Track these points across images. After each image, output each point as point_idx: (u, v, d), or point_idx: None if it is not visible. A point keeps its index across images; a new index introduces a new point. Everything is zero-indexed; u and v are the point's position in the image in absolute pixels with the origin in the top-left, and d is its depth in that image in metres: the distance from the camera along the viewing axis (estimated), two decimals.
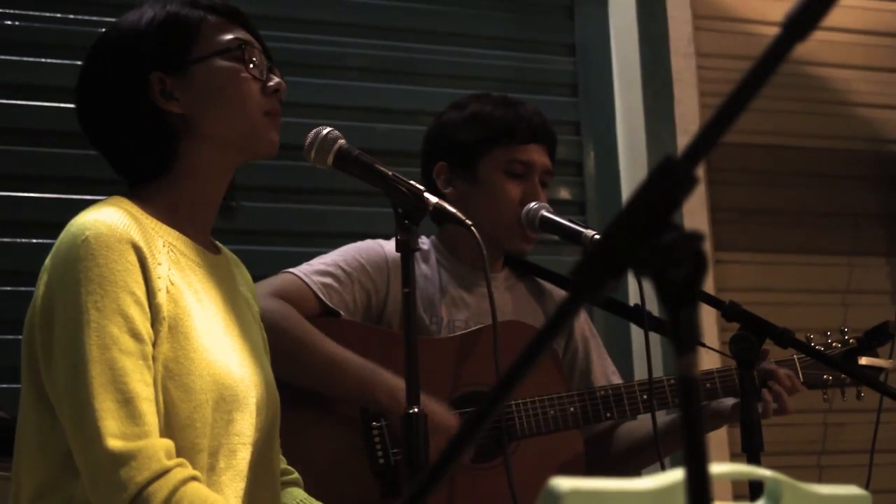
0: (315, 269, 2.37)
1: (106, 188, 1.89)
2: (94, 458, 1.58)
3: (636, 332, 3.25)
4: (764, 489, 1.03)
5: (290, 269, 2.38)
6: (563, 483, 0.88)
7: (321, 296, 2.33)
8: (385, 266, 2.40)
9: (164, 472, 1.59)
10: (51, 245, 1.72)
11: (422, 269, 2.46)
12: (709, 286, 3.24)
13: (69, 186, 2.85)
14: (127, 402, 1.60)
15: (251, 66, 1.83)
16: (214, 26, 1.83)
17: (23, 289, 2.52)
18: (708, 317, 3.11)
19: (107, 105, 1.80)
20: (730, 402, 2.38)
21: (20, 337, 1.73)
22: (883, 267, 3.61)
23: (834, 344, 2.53)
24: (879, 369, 2.53)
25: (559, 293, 2.60)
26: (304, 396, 2.28)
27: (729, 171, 3.47)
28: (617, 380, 2.54)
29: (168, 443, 1.62)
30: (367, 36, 3.32)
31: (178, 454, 1.64)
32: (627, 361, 3.25)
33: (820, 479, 3.32)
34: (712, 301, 2.34)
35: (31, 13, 2.99)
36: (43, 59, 2.93)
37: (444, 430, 2.17)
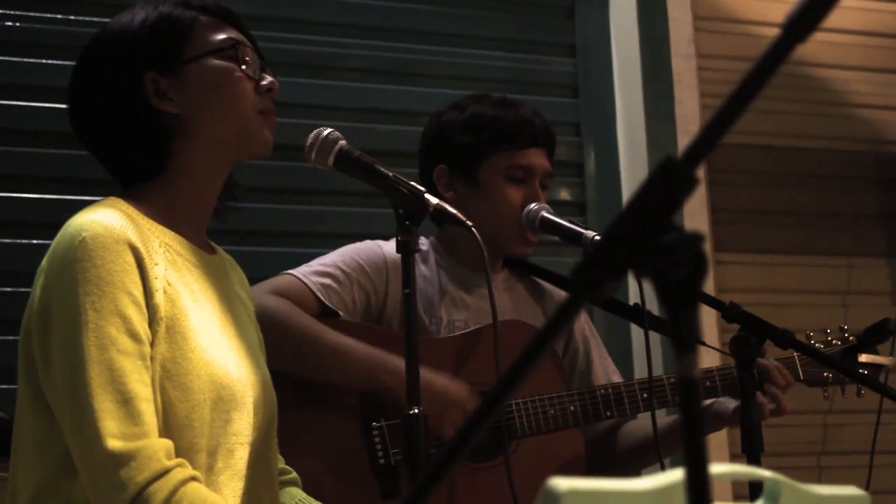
0: (314, 270, 2.38)
1: (105, 189, 1.89)
2: (93, 459, 1.58)
3: (636, 332, 3.25)
4: (763, 489, 1.03)
5: (290, 271, 2.38)
6: (562, 483, 0.88)
7: (320, 296, 2.34)
8: (384, 267, 2.41)
9: (164, 473, 1.59)
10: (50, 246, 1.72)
11: (421, 269, 2.46)
12: (709, 287, 3.24)
13: (69, 187, 2.85)
14: (126, 403, 1.60)
15: (244, 65, 1.83)
16: (207, 26, 1.83)
17: (22, 290, 2.51)
18: (708, 318, 3.11)
19: (101, 106, 1.80)
20: (731, 404, 2.38)
21: (18, 338, 1.73)
22: (883, 268, 3.61)
23: (834, 341, 2.53)
24: (879, 366, 2.53)
25: (558, 293, 2.60)
26: (304, 396, 2.29)
27: (729, 171, 3.48)
28: (617, 379, 2.54)
29: (167, 443, 1.62)
30: (368, 37, 3.32)
31: (177, 454, 1.64)
32: (627, 361, 3.25)
33: (819, 480, 3.31)
34: (712, 302, 2.35)
35: (30, 14, 2.99)
36: (43, 60, 2.94)
37: (459, 404, 2.20)
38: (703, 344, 2.45)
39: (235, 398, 1.74)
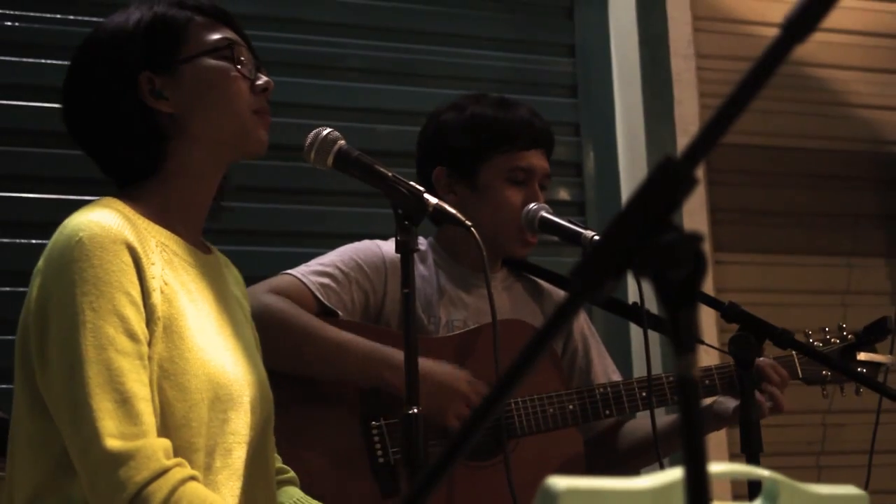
0: (313, 270, 2.38)
1: (106, 188, 1.89)
2: (92, 459, 1.58)
3: (635, 331, 3.25)
4: (762, 489, 1.03)
5: (289, 271, 2.38)
6: (560, 482, 0.88)
7: (319, 296, 2.34)
8: (382, 266, 2.41)
9: (164, 472, 1.59)
10: None
11: (419, 269, 2.46)
12: (708, 287, 3.24)
13: (69, 187, 2.85)
14: (124, 402, 1.60)
15: (240, 65, 1.83)
16: (202, 26, 1.83)
17: (22, 289, 2.51)
18: (707, 318, 3.11)
19: (96, 106, 1.80)
20: (731, 403, 2.38)
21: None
22: (882, 268, 3.62)
23: (833, 340, 2.53)
24: (878, 365, 2.53)
25: (557, 293, 2.60)
26: (303, 395, 2.29)
27: (728, 171, 3.48)
28: (617, 378, 2.55)
29: (166, 442, 1.63)
30: (368, 37, 3.32)
31: (175, 454, 1.64)
32: (626, 360, 3.25)
33: (819, 480, 3.32)
34: (712, 302, 2.35)
35: (30, 14, 2.99)
36: (42, 60, 2.94)
37: (461, 396, 2.20)
38: (703, 343, 2.46)
39: (233, 397, 1.75)
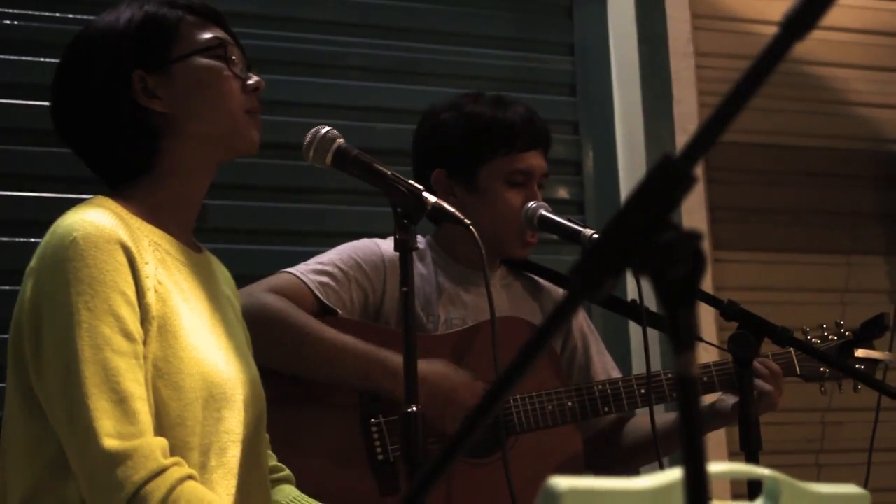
0: (312, 269, 2.38)
1: (104, 187, 1.89)
2: (90, 459, 1.58)
3: (634, 329, 3.25)
4: (762, 488, 1.03)
5: (288, 269, 2.38)
6: (562, 482, 0.88)
7: (319, 294, 2.34)
8: (382, 265, 2.41)
9: (162, 471, 1.59)
10: None
11: (418, 268, 2.46)
12: (707, 285, 3.24)
13: (68, 185, 2.84)
14: (121, 402, 1.59)
15: (232, 64, 1.83)
16: (193, 25, 1.84)
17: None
18: (707, 316, 3.11)
19: (88, 104, 1.80)
20: (731, 401, 2.38)
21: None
22: (881, 266, 3.62)
23: (830, 337, 2.53)
24: (875, 361, 2.53)
25: (556, 291, 2.61)
26: (302, 393, 2.29)
27: (728, 170, 3.48)
28: (617, 374, 2.55)
29: (163, 441, 1.63)
30: (367, 35, 3.32)
31: (170, 453, 1.64)
32: (626, 358, 3.25)
33: (818, 478, 3.32)
34: (711, 300, 2.35)
35: (29, 13, 2.98)
36: (42, 59, 2.93)
37: (458, 400, 2.20)
38: (702, 341, 2.46)
39: (226, 396, 1.74)
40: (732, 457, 3.11)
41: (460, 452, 0.90)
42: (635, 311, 2.40)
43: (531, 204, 2.43)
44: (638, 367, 3.23)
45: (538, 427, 2.37)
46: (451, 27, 3.42)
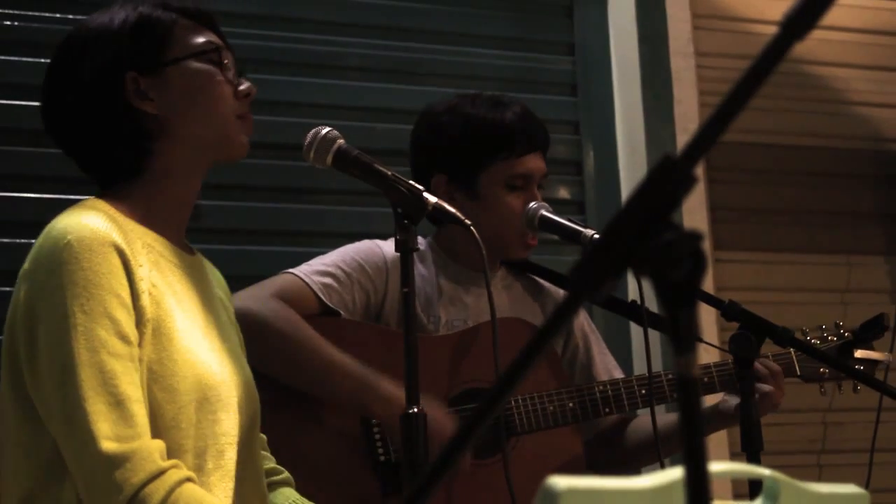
0: (315, 270, 2.38)
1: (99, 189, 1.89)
2: (88, 462, 1.58)
3: (635, 329, 3.25)
4: (762, 488, 1.03)
5: (291, 270, 2.38)
6: (561, 482, 0.88)
7: (321, 296, 2.34)
8: (384, 267, 2.41)
9: (160, 474, 1.59)
10: None
11: (419, 269, 2.46)
12: (708, 285, 3.24)
13: (68, 186, 2.84)
14: (118, 405, 1.59)
15: (224, 69, 1.83)
16: (187, 28, 1.84)
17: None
18: (707, 316, 3.11)
19: (80, 104, 1.79)
20: (733, 402, 2.38)
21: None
22: (882, 265, 3.61)
23: (830, 337, 2.53)
24: (875, 362, 2.53)
25: (556, 291, 2.60)
26: (303, 395, 2.29)
27: (728, 170, 3.47)
28: (619, 374, 2.55)
29: (161, 444, 1.62)
30: (367, 36, 3.32)
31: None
32: (627, 358, 3.25)
33: (819, 478, 3.32)
34: (712, 300, 2.35)
35: (30, 13, 2.98)
36: (42, 60, 2.93)
37: (439, 436, 2.17)
38: (703, 342, 2.45)
39: (221, 398, 1.74)
40: (734, 457, 3.11)
41: (462, 454, 0.89)
42: (636, 311, 2.40)
43: (532, 205, 2.43)
44: (639, 367, 3.22)
45: (539, 428, 2.37)
46: (451, 27, 3.42)
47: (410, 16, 3.38)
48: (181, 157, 1.81)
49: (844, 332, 2.54)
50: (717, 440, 3.10)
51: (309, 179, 3.10)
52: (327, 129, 1.90)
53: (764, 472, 1.03)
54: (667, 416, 2.53)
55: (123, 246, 1.67)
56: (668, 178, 0.82)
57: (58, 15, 3.00)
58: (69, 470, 1.62)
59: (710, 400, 2.53)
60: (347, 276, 2.38)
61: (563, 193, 3.44)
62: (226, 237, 3.01)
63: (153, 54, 1.80)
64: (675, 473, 0.91)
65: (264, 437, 2.02)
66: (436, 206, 1.86)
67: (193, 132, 1.81)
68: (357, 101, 3.25)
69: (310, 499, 2.03)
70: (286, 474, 2.05)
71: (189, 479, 1.63)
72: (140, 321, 1.66)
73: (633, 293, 2.91)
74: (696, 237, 0.81)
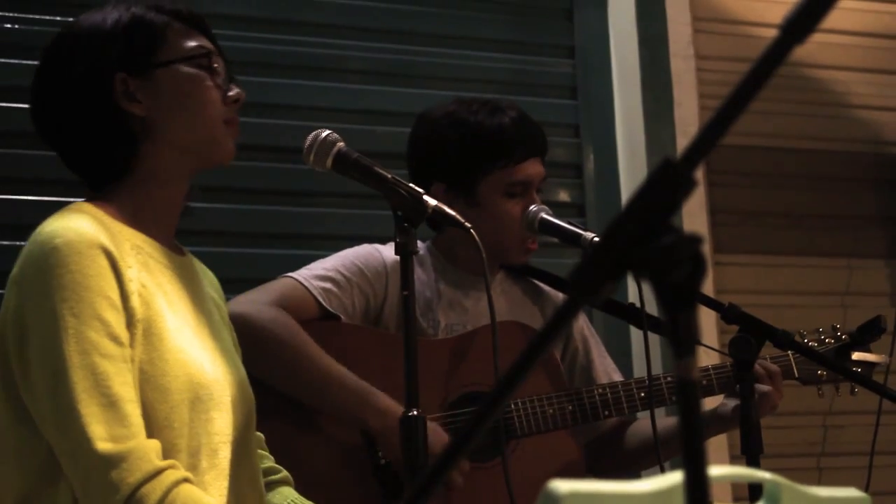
0: (315, 274, 2.38)
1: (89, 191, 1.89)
2: (83, 463, 1.58)
3: (635, 332, 3.25)
4: (763, 491, 1.03)
5: (291, 274, 2.38)
6: (562, 485, 0.88)
7: (321, 300, 2.34)
8: (384, 271, 2.40)
9: (157, 473, 1.59)
10: None
11: (418, 273, 2.46)
12: (708, 288, 3.24)
13: (67, 188, 2.84)
14: (112, 405, 1.59)
15: (214, 74, 1.83)
16: (179, 32, 1.83)
17: None
18: (707, 319, 3.11)
19: (69, 104, 1.79)
20: (733, 405, 2.38)
21: None
22: (882, 269, 3.61)
23: (827, 340, 2.53)
24: (872, 364, 2.53)
25: (556, 294, 2.60)
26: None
27: (728, 173, 3.47)
28: (618, 377, 2.55)
29: (156, 443, 1.62)
30: (367, 39, 3.32)
31: None
32: (627, 362, 3.25)
33: (819, 481, 3.31)
34: (712, 303, 2.35)
35: (28, 16, 2.98)
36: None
37: (435, 445, 2.17)
38: (702, 345, 2.45)
39: (214, 397, 1.74)
40: (734, 460, 3.11)
41: (461, 457, 0.89)
42: (636, 315, 2.40)
43: (532, 207, 2.42)
44: (639, 370, 3.23)
45: (539, 431, 2.36)
46: (452, 30, 3.42)
47: (411, 19, 3.38)
48: (167, 160, 1.81)
49: (841, 335, 2.54)
50: (717, 443, 3.09)
51: (309, 182, 3.10)
52: (327, 131, 1.90)
53: (765, 475, 1.03)
54: (666, 420, 2.53)
55: (111, 248, 1.67)
56: (668, 182, 0.82)
57: (58, 18, 3.00)
58: (64, 472, 1.62)
59: (708, 403, 2.53)
60: (347, 281, 2.38)
61: (564, 196, 3.44)
62: (226, 240, 3.02)
63: (144, 56, 1.80)
64: (676, 477, 0.91)
65: (261, 435, 2.03)
66: (436, 208, 1.86)
67: (180, 136, 1.81)
68: (357, 104, 3.25)
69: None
70: (284, 473, 2.05)
71: (186, 480, 1.62)
72: (130, 322, 1.66)
73: (632, 296, 2.91)
74: (695, 240, 0.81)
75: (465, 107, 2.48)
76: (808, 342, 2.51)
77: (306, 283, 2.35)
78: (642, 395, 2.40)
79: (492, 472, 2.31)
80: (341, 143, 1.91)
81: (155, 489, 1.58)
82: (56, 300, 1.62)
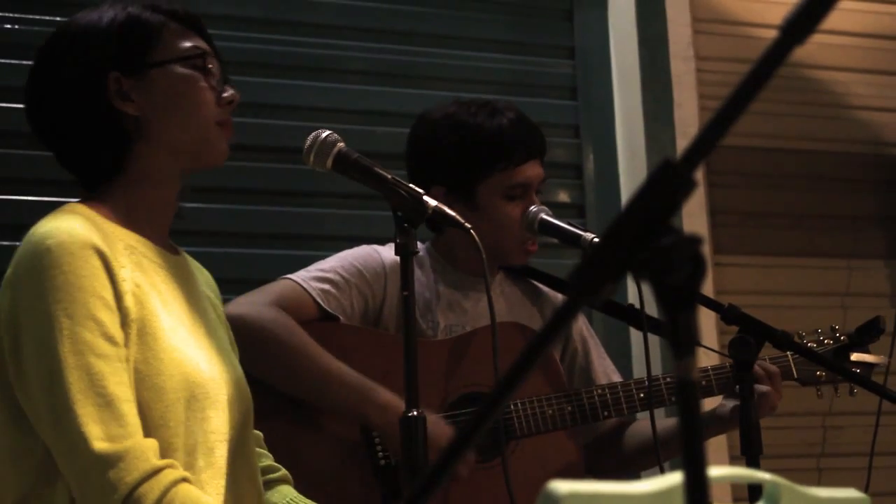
0: (314, 276, 2.38)
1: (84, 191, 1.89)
2: (81, 464, 1.58)
3: (635, 333, 3.25)
4: (762, 492, 1.03)
5: (289, 275, 2.38)
6: (561, 486, 0.88)
7: (320, 301, 2.34)
8: (382, 272, 2.40)
9: (155, 472, 1.58)
10: None
11: (417, 274, 2.45)
12: (708, 289, 3.24)
13: (66, 189, 2.84)
14: (108, 405, 1.59)
15: (209, 75, 1.83)
16: (175, 32, 1.83)
17: None
18: (707, 320, 3.11)
19: (63, 102, 1.79)
20: (731, 405, 2.38)
21: None
22: (882, 269, 3.61)
23: (826, 341, 2.53)
24: (871, 365, 2.53)
25: (555, 295, 2.60)
26: (302, 399, 2.29)
27: (728, 173, 3.48)
28: (617, 378, 2.55)
29: (154, 443, 1.62)
30: (367, 39, 3.33)
31: None
32: (626, 363, 3.25)
33: (819, 482, 3.32)
34: (712, 304, 2.35)
35: (27, 16, 2.99)
36: None
37: (437, 442, 2.17)
38: (702, 346, 2.46)
39: (209, 396, 1.74)
40: (733, 461, 3.11)
41: (461, 458, 0.89)
42: (635, 316, 2.40)
43: (532, 208, 2.42)
44: (638, 370, 3.23)
45: (538, 431, 2.36)
46: (452, 31, 3.42)
47: (411, 19, 3.38)
48: (159, 161, 1.81)
49: (840, 336, 2.54)
50: (717, 444, 3.10)
51: (309, 183, 3.11)
52: (327, 132, 1.90)
53: (764, 476, 1.03)
54: (666, 421, 2.53)
55: (104, 248, 1.67)
56: (667, 182, 0.82)
57: (57, 18, 2.99)
58: (61, 473, 1.62)
59: (708, 404, 2.53)
60: (346, 282, 2.38)
61: (564, 197, 3.44)
62: (227, 241, 3.02)
63: (138, 55, 1.80)
64: (675, 478, 0.91)
65: (260, 434, 2.03)
66: (436, 209, 1.85)
67: (172, 136, 1.80)
68: (357, 105, 3.25)
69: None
70: (283, 472, 2.05)
71: (185, 479, 1.62)
72: (124, 322, 1.66)
73: (632, 297, 2.91)
74: (695, 241, 0.81)
75: (464, 109, 2.47)
76: (807, 343, 2.51)
77: (305, 285, 2.35)
78: (642, 395, 2.40)
79: (491, 472, 2.31)
80: (341, 144, 1.91)
81: (153, 488, 1.57)
82: (50, 301, 1.62)
